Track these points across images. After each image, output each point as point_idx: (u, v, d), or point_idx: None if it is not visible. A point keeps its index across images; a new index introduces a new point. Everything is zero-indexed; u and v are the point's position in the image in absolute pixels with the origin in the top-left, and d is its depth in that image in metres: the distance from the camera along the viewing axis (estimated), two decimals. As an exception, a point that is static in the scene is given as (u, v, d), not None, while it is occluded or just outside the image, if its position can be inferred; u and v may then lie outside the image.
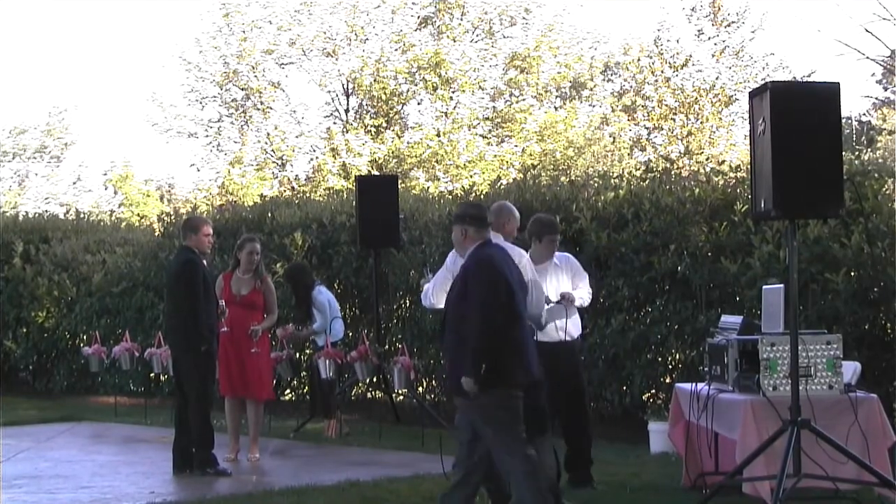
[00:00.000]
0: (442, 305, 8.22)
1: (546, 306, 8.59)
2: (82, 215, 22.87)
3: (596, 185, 13.68)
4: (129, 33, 62.06)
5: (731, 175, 12.60)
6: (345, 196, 17.22)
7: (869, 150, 33.36)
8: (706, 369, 8.88)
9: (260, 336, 11.26)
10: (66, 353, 18.86)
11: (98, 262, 18.52)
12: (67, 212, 27.60)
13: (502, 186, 14.57)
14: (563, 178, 17.52)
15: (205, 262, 10.85)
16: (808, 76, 29.60)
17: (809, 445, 7.47)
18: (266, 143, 30.48)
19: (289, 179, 30.38)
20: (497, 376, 7.28)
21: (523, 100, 30.18)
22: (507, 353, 7.36)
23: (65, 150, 39.88)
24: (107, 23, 61.50)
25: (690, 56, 30.81)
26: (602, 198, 12.81)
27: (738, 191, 11.91)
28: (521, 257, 8.25)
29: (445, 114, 29.34)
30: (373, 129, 29.54)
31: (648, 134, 31.76)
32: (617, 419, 12.49)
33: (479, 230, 7.67)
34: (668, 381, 11.91)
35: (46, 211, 28.86)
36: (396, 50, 29.41)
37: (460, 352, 7.37)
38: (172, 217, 19.14)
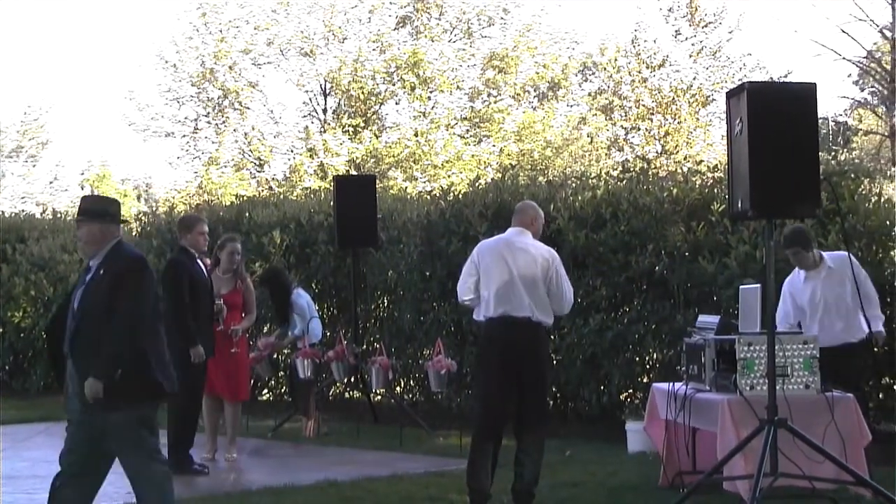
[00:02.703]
0: (471, 298, 8.27)
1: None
2: (59, 215, 22.75)
3: (573, 184, 13.70)
4: (106, 32, 61.92)
5: (709, 175, 12.65)
6: (322, 196, 17.18)
7: (845, 150, 33.59)
8: (683, 369, 8.91)
9: (239, 336, 11.22)
10: (43, 353, 18.74)
11: (75, 261, 18.39)
12: (44, 211, 27.48)
13: (480, 186, 14.58)
14: (540, 178, 17.53)
15: (203, 261, 10.74)
16: (785, 76, 29.79)
17: (786, 445, 7.48)
18: (244, 143, 30.42)
19: (267, 180, 30.33)
20: (146, 386, 6.82)
21: (501, 100, 30.23)
22: (164, 360, 6.91)
23: (41, 150, 39.76)
24: (83, 21, 61.31)
25: (668, 56, 30.92)
26: (580, 198, 12.82)
27: (716, 191, 11.93)
28: (552, 256, 8.31)
29: (423, 114, 29.34)
30: (350, 129, 29.52)
31: (626, 134, 31.83)
32: (594, 419, 12.50)
33: (118, 227, 7.02)
34: (645, 380, 11.93)
35: (23, 210, 28.70)
36: (374, 50, 29.40)
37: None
38: (150, 217, 19.07)
